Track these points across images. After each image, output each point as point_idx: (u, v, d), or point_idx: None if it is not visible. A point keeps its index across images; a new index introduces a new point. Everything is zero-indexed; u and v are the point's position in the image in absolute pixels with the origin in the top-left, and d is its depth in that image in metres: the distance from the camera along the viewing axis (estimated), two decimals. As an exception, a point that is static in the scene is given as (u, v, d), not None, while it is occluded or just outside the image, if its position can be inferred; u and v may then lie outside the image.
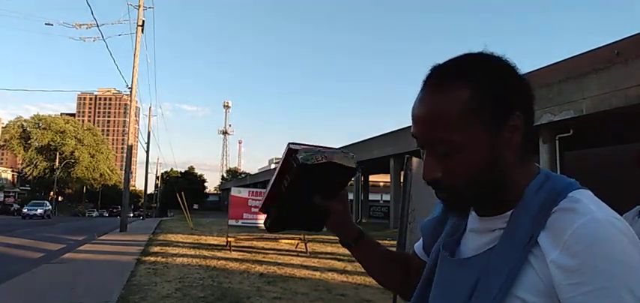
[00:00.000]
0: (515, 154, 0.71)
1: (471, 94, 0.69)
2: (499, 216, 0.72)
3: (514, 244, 0.67)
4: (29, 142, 68.67)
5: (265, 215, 1.01)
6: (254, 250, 12.24)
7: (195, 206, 69.65)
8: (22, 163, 73.10)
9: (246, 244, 13.28)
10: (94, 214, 61.91)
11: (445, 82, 0.71)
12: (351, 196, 37.56)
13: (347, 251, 1.05)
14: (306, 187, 0.93)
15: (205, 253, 11.55)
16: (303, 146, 0.91)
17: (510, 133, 0.70)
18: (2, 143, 69.61)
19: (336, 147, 0.95)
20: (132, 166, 22.93)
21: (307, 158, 0.88)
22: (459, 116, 0.68)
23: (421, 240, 0.98)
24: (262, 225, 1.13)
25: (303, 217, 1.01)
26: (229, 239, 12.25)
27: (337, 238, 1.03)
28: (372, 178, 39.66)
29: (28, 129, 69.33)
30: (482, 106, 0.69)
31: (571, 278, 0.60)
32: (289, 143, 0.92)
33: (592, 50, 21.73)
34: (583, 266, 0.60)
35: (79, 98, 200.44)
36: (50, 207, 40.94)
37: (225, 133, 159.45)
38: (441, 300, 0.77)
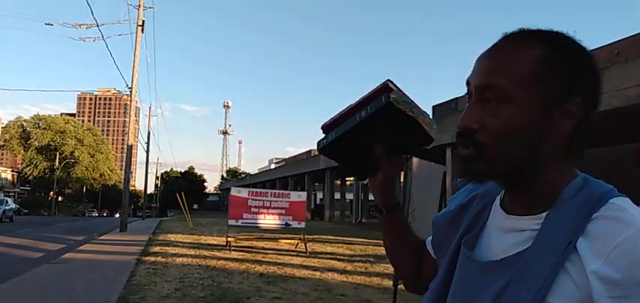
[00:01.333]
0: (561, 147, 0.68)
1: (541, 58, 0.67)
2: (532, 217, 0.68)
3: (551, 248, 0.62)
4: (29, 142, 68.63)
5: (323, 133, 0.94)
6: (254, 250, 12.24)
7: (195, 206, 69.69)
8: (22, 163, 73.06)
9: (246, 244, 13.27)
10: (94, 214, 61.96)
11: (525, 37, 0.69)
12: (350, 196, 37.64)
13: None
14: (376, 129, 0.86)
15: (205, 253, 11.54)
16: (400, 91, 0.84)
17: (562, 116, 0.66)
18: (2, 143, 69.56)
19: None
20: (132, 166, 22.92)
21: (398, 101, 0.81)
22: (522, 70, 0.66)
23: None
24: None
25: (353, 157, 0.95)
26: (229, 239, 12.25)
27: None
28: (372, 178, 39.64)
29: (28, 129, 69.29)
30: (545, 74, 0.66)
31: (613, 291, 0.57)
32: (388, 79, 0.85)
33: (592, 50, 21.69)
34: (629, 280, 0.56)
35: (79, 98, 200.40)
36: (13, 206, 28.96)
37: (225, 133, 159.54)
38: (459, 302, 0.73)
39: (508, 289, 0.64)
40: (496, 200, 0.77)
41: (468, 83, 0.72)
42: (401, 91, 0.85)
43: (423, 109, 0.87)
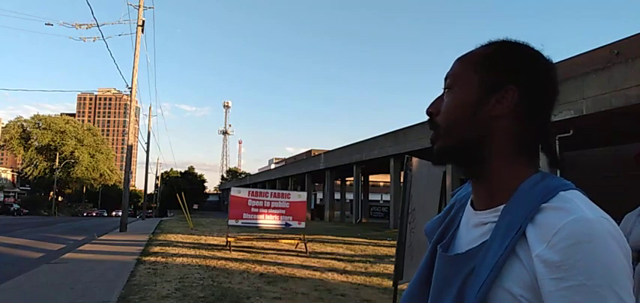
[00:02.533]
0: (510, 141, 0.75)
1: (486, 54, 0.78)
2: (491, 210, 0.75)
3: (504, 235, 0.69)
4: (29, 142, 68.60)
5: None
6: (254, 250, 12.23)
7: (195, 206, 69.66)
8: (22, 163, 73.03)
9: (246, 244, 13.27)
10: (93, 214, 62.04)
11: (489, 43, 0.81)
12: (351, 196, 37.59)
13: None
14: None
15: (205, 253, 11.54)
16: None
17: (496, 101, 0.75)
18: (2, 143, 69.52)
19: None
20: (132, 166, 22.91)
21: None
22: (471, 65, 0.79)
23: None
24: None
25: None
26: (229, 239, 12.24)
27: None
28: (372, 178, 39.65)
29: (28, 129, 69.25)
30: (485, 65, 0.77)
31: (554, 273, 0.62)
32: None
33: (592, 50, 21.73)
34: (566, 262, 0.61)
35: (79, 98, 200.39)
36: None
37: (225, 133, 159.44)
38: (437, 294, 0.79)
39: (471, 275, 0.71)
40: (468, 202, 0.84)
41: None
42: None
43: None
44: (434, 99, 0.82)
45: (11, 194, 63.05)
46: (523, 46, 0.78)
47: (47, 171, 67.24)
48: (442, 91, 0.83)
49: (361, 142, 29.38)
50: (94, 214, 61.40)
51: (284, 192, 13.48)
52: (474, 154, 0.76)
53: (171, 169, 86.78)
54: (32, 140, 68.55)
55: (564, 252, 0.62)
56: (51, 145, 67.48)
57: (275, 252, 12.04)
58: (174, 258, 10.36)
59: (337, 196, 38.77)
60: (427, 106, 0.82)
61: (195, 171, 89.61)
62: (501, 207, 0.73)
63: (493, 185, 0.75)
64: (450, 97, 0.78)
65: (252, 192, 12.68)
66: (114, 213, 64.76)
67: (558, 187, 0.69)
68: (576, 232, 0.62)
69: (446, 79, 0.81)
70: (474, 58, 0.79)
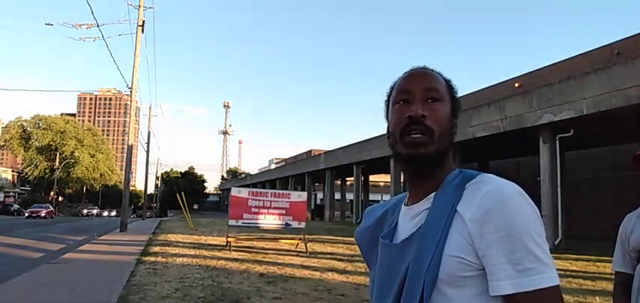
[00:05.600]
0: (451, 148, 0.94)
1: (446, 83, 0.97)
2: (424, 200, 0.91)
3: (440, 216, 0.84)
4: (29, 142, 68.55)
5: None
6: (254, 250, 12.23)
7: (195, 206, 69.62)
8: (22, 164, 73.00)
9: (246, 244, 13.27)
10: (94, 212, 62.11)
11: (434, 71, 0.98)
12: (351, 196, 37.59)
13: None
14: None
15: (205, 253, 11.54)
16: None
17: (454, 125, 0.95)
18: (2, 143, 69.50)
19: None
20: (132, 166, 22.91)
21: None
22: (443, 87, 0.95)
23: None
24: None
25: None
26: (229, 239, 12.23)
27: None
28: (372, 178, 39.63)
29: (28, 129, 69.20)
30: (450, 94, 0.96)
31: (481, 227, 0.79)
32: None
33: (592, 50, 21.73)
34: (489, 216, 0.79)
35: (80, 98, 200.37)
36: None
37: (225, 133, 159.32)
38: (386, 280, 0.91)
39: (415, 255, 0.84)
40: (401, 205, 0.99)
41: (407, 91, 0.94)
42: None
43: None
44: (414, 105, 0.91)
45: (11, 194, 62.97)
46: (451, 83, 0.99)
47: (47, 171, 67.21)
48: (404, 100, 0.94)
49: (361, 142, 29.38)
50: (95, 213, 61.44)
51: (284, 192, 13.48)
52: (441, 160, 0.91)
53: (172, 169, 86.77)
54: (32, 140, 68.51)
55: (488, 208, 0.79)
56: (51, 145, 67.44)
57: (275, 252, 12.04)
58: (175, 258, 10.36)
59: (337, 196, 38.74)
60: (413, 111, 0.90)
61: (196, 171, 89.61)
62: (432, 195, 0.89)
63: (437, 178, 0.91)
64: (442, 108, 0.92)
65: (253, 192, 12.68)
66: (106, 213, 64.54)
67: (477, 173, 0.88)
68: (495, 193, 0.80)
69: (428, 90, 0.92)
70: (443, 84, 0.95)
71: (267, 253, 11.63)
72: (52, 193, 62.60)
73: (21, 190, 71.43)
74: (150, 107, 40.41)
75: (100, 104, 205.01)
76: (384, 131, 1.00)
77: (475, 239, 0.79)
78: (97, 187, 76.71)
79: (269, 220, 12.35)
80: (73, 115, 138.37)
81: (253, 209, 12.16)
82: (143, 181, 53.60)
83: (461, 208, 0.82)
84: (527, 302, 0.75)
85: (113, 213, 64.17)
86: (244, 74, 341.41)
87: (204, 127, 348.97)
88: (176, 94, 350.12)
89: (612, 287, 1.94)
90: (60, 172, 64.08)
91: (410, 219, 0.91)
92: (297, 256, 11.36)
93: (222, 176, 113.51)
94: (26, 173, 68.67)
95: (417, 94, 0.92)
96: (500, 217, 0.77)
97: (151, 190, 62.40)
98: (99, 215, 60.71)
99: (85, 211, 62.25)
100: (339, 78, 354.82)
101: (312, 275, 8.42)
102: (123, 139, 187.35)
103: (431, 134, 0.88)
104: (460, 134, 12.95)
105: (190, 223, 23.46)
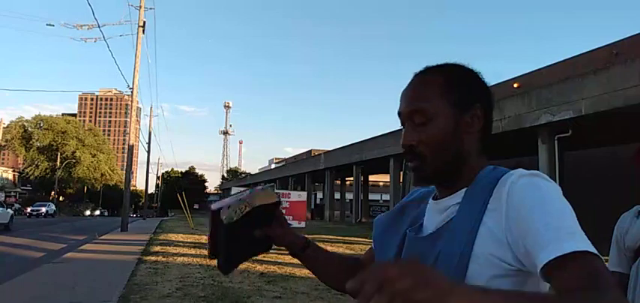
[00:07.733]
0: (475, 143, 0.90)
1: (443, 82, 0.89)
2: (454, 195, 0.88)
3: (471, 211, 0.82)
4: (30, 142, 68.60)
5: (216, 260, 1.08)
6: (254, 249, 12.24)
7: (196, 206, 69.62)
8: (23, 164, 73.04)
9: (247, 243, 13.27)
10: (95, 213, 62.16)
11: (427, 73, 0.93)
12: (351, 196, 37.62)
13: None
14: (242, 228, 1.00)
15: (206, 252, 11.52)
16: (224, 202, 1.00)
17: (471, 118, 0.89)
18: (4, 143, 69.52)
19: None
20: (133, 166, 22.93)
21: (231, 217, 0.97)
22: (434, 95, 0.88)
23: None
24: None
25: (249, 248, 1.13)
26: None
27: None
28: (371, 178, 39.61)
29: (29, 129, 69.24)
30: (450, 92, 0.88)
31: (514, 220, 0.76)
32: (211, 205, 1.03)
33: (591, 50, 21.73)
34: (517, 207, 0.76)
35: (81, 98, 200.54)
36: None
37: (225, 133, 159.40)
38: None
39: (443, 248, 0.83)
40: (428, 198, 0.97)
41: (399, 114, 0.92)
42: (226, 199, 1.01)
43: (254, 188, 1.05)
44: (405, 132, 0.90)
45: (12, 194, 62.99)
46: (467, 69, 0.93)
47: (48, 171, 67.25)
48: (402, 124, 0.92)
49: (361, 142, 29.38)
50: (97, 213, 61.57)
51: (284, 192, 13.50)
52: (454, 167, 0.89)
53: (172, 169, 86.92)
54: (33, 140, 68.55)
55: (515, 202, 0.77)
56: (52, 145, 67.49)
57: (275, 251, 12.03)
58: (175, 257, 10.39)
59: (337, 196, 38.74)
60: (403, 140, 0.90)
61: (196, 171, 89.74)
62: (462, 191, 0.87)
63: (463, 177, 0.88)
64: (431, 128, 0.87)
65: (253, 192, 12.69)
66: (98, 213, 64.68)
67: (509, 171, 0.85)
68: (525, 182, 0.79)
69: (410, 113, 0.89)
70: (433, 86, 0.89)
71: (267, 253, 11.64)
72: (53, 193, 62.61)
73: (22, 189, 71.43)
74: (151, 107, 40.58)
75: (101, 104, 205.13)
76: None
77: (506, 229, 0.77)
78: (98, 187, 76.75)
79: (269, 220, 12.34)
80: (74, 115, 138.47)
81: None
82: (144, 180, 53.64)
83: (492, 204, 0.81)
84: (576, 263, 0.69)
85: (106, 213, 64.13)
86: (245, 74, 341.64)
87: (204, 127, 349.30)
88: (177, 95, 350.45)
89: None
90: (61, 172, 64.11)
91: (438, 213, 0.90)
92: (297, 255, 11.37)
93: (223, 176, 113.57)
94: (27, 173, 68.71)
95: (406, 118, 0.90)
96: (531, 199, 0.76)
97: (151, 189, 62.49)
98: (92, 215, 60.76)
99: (87, 212, 62.34)
100: (339, 78, 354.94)
101: (312, 275, 8.44)
102: (124, 139, 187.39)
103: (423, 160, 0.88)
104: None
105: (191, 223, 23.49)
